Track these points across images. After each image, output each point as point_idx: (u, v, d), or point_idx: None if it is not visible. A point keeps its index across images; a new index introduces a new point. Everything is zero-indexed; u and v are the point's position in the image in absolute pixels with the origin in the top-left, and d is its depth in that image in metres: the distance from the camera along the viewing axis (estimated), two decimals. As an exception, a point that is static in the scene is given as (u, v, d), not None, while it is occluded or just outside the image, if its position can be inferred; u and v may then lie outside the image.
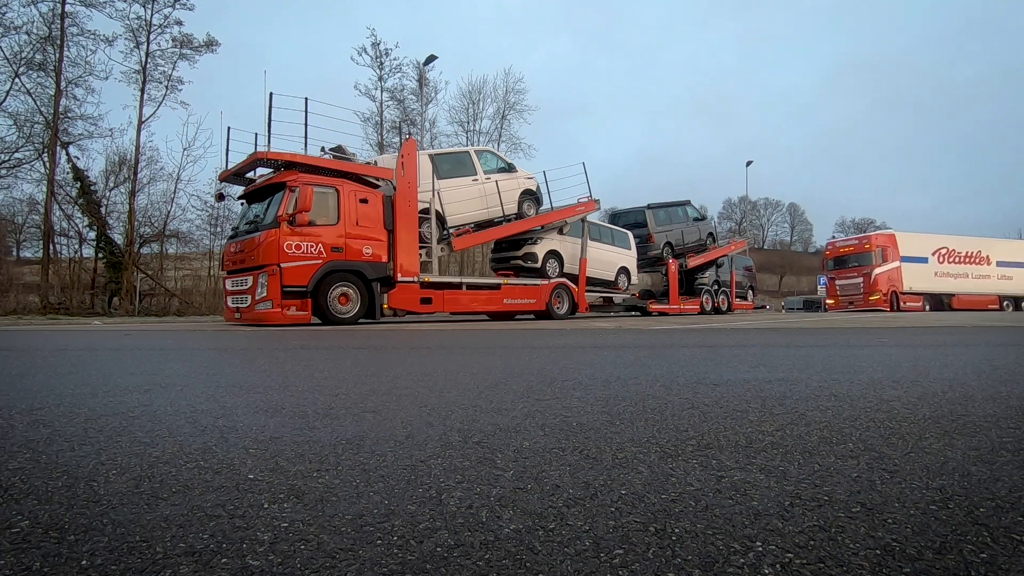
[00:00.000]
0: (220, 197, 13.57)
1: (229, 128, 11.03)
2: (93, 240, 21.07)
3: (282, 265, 9.28)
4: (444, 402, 2.01)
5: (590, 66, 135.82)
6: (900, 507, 0.97)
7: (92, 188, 20.97)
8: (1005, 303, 26.70)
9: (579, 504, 1.00)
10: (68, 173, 20.76)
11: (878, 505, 0.98)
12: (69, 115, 20.55)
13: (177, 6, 21.24)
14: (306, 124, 10.33)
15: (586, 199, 14.12)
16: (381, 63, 27.62)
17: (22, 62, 19.69)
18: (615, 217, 18.16)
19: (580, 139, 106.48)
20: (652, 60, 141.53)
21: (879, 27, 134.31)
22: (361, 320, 10.16)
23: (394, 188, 10.80)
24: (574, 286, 13.66)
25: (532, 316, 13.45)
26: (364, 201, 10.36)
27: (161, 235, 22.52)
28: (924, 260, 24.87)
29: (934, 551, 0.81)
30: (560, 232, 13.91)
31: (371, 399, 2.09)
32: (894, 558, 0.79)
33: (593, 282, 14.40)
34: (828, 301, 25.94)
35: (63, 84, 20.09)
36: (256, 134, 11.01)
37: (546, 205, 13.92)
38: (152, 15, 21.15)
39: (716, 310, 18.67)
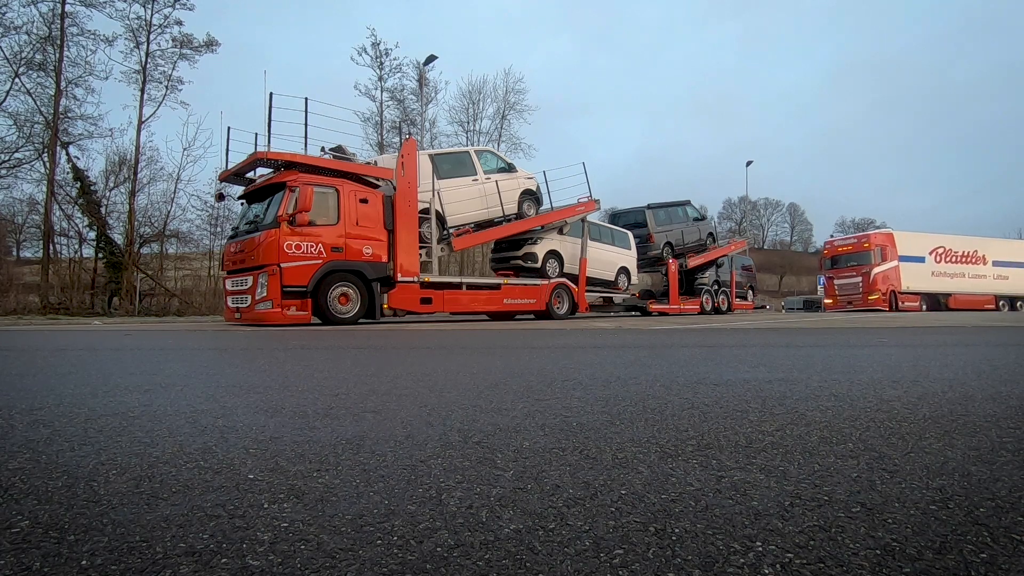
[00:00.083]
0: (220, 197, 13.57)
1: (229, 128, 11.04)
2: (93, 240, 21.08)
3: (282, 265, 9.28)
4: (444, 402, 2.01)
5: (590, 66, 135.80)
6: (900, 507, 0.97)
7: (92, 188, 20.98)
8: (1001, 303, 26.60)
9: (579, 504, 1.00)
10: (68, 173, 20.78)
11: (878, 505, 0.98)
12: (69, 115, 20.58)
13: (177, 6, 21.28)
14: (306, 124, 10.34)
15: (586, 199, 14.12)
16: (381, 63, 27.65)
17: (22, 62, 19.71)
18: (615, 217, 18.16)
19: (580, 139, 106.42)
20: (652, 60, 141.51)
21: (879, 27, 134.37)
22: (361, 320, 10.16)
23: (394, 188, 10.80)
24: (574, 286, 13.66)
25: (532, 316, 13.45)
26: (364, 201, 10.37)
27: (161, 235, 22.53)
28: (921, 260, 24.80)
29: (934, 551, 0.81)
30: (560, 232, 13.91)
31: (371, 399, 2.09)
32: (894, 558, 0.79)
33: (593, 282, 14.41)
34: (826, 301, 25.80)
35: (63, 84, 20.10)
36: (256, 134, 11.03)
37: (546, 205, 13.93)
38: (152, 15, 21.19)
39: (716, 310, 18.67)
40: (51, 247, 20.67)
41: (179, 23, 21.49)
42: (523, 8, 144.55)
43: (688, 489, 1.07)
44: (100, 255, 21.03)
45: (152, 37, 21.30)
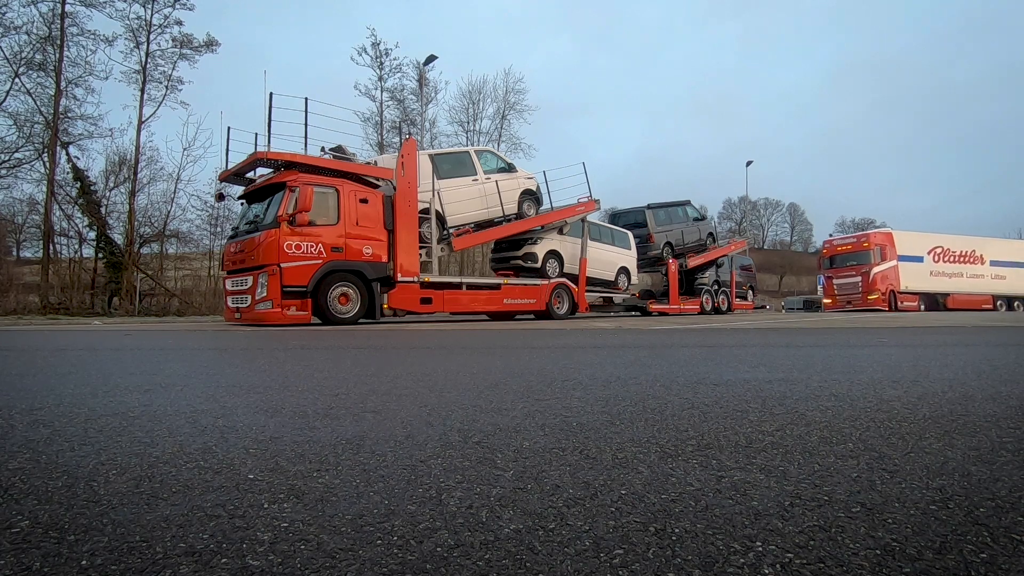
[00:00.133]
0: (220, 197, 13.57)
1: (229, 128, 11.04)
2: (93, 240, 21.08)
3: (282, 265, 9.28)
4: (444, 402, 2.01)
5: (590, 66, 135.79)
6: (900, 507, 0.97)
7: (92, 188, 20.98)
8: (999, 303, 26.51)
9: (579, 504, 1.00)
10: (68, 173, 20.78)
11: (878, 505, 0.98)
12: (69, 115, 20.58)
13: (177, 6, 21.28)
14: (306, 124, 10.34)
15: (586, 199, 14.12)
16: (381, 63, 27.65)
17: (22, 62, 19.71)
18: (615, 217, 18.15)
19: (580, 139, 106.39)
20: (652, 60, 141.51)
21: (879, 27, 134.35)
22: (361, 320, 10.16)
23: (394, 188, 10.80)
24: (574, 286, 13.66)
25: (532, 316, 13.45)
26: (364, 201, 10.36)
27: (161, 235, 22.53)
28: (920, 259, 24.70)
29: (934, 551, 0.81)
30: (560, 232, 13.91)
31: (371, 399, 2.09)
32: (894, 558, 0.79)
33: (593, 282, 14.40)
34: (825, 300, 25.64)
35: (63, 84, 20.10)
36: (256, 134, 11.02)
37: (546, 205, 13.92)
38: (152, 15, 21.18)
39: (716, 310, 18.67)
40: (51, 247, 20.68)
41: (179, 23, 21.52)
42: (523, 8, 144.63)
43: (688, 489, 1.07)
44: (100, 255, 21.04)
45: (152, 37, 21.33)
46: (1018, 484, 1.09)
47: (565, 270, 13.85)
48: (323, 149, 10.76)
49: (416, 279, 10.95)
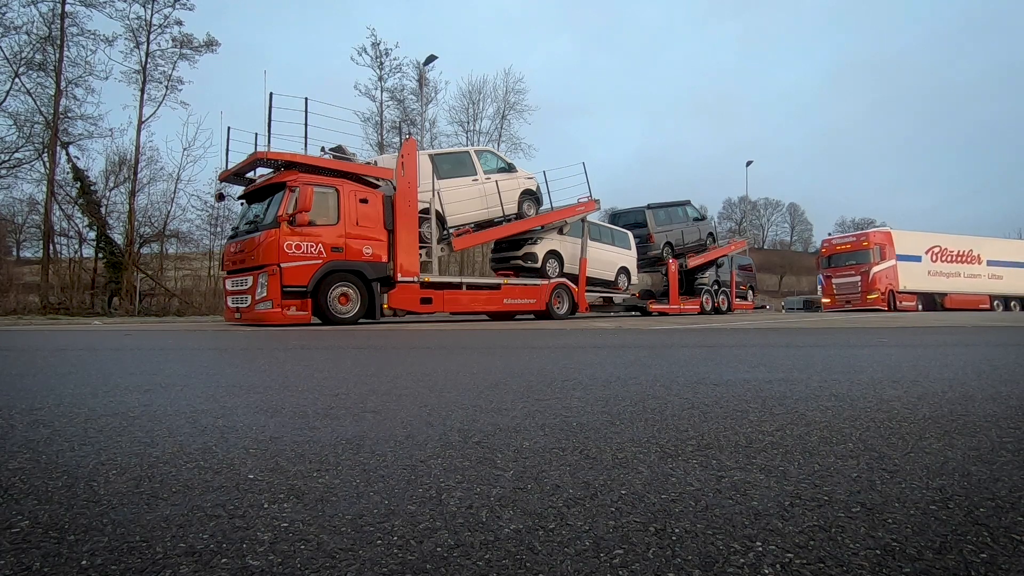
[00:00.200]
0: (220, 197, 13.57)
1: (229, 128, 11.04)
2: (93, 240, 21.09)
3: (282, 265, 9.28)
4: (444, 402, 2.01)
5: (590, 66, 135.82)
6: (900, 507, 0.97)
7: (92, 188, 20.99)
8: (995, 303, 26.38)
9: (579, 504, 1.00)
10: (68, 173, 20.79)
11: (878, 505, 0.98)
12: (69, 115, 20.59)
13: (177, 6, 21.28)
14: (306, 124, 10.34)
15: (586, 199, 14.12)
16: (381, 63, 27.66)
17: (22, 62, 19.72)
18: (615, 217, 18.15)
19: (580, 139, 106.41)
20: (652, 60, 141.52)
21: (879, 27, 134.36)
22: (361, 320, 10.16)
23: (394, 188, 10.80)
24: (574, 286, 13.66)
25: (532, 316, 13.45)
26: (364, 201, 10.36)
27: (161, 235, 22.53)
28: (918, 259, 24.59)
29: (934, 551, 0.81)
30: (560, 232, 13.91)
31: (371, 399, 2.09)
32: (894, 558, 0.79)
33: (593, 282, 14.40)
34: (824, 300, 25.43)
35: (63, 84, 20.11)
36: (256, 134, 11.02)
37: (546, 205, 13.92)
38: (152, 15, 21.19)
39: (716, 310, 18.67)
40: (51, 247, 20.68)
41: (179, 23, 21.52)
42: (523, 8, 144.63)
43: (688, 489, 1.07)
44: (100, 255, 21.04)
45: (152, 37, 21.33)
46: (1018, 484, 1.09)
47: (565, 270, 13.85)
48: (323, 149, 10.77)
49: (416, 279, 10.95)
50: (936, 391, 2.19)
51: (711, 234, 19.35)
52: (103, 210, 21.13)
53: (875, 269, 23.48)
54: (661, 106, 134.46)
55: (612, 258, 15.19)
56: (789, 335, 6.34)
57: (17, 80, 19.69)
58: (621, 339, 5.65)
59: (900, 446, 1.37)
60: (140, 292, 20.29)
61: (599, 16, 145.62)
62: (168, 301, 20.62)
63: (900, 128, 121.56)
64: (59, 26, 19.85)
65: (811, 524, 0.90)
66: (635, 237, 16.17)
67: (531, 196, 13.39)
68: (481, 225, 12.86)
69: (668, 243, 17.23)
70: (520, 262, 13.41)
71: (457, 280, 12.53)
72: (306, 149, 10.43)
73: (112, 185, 21.68)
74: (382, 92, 27.99)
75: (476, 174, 12.43)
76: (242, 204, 11.36)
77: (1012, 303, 26.86)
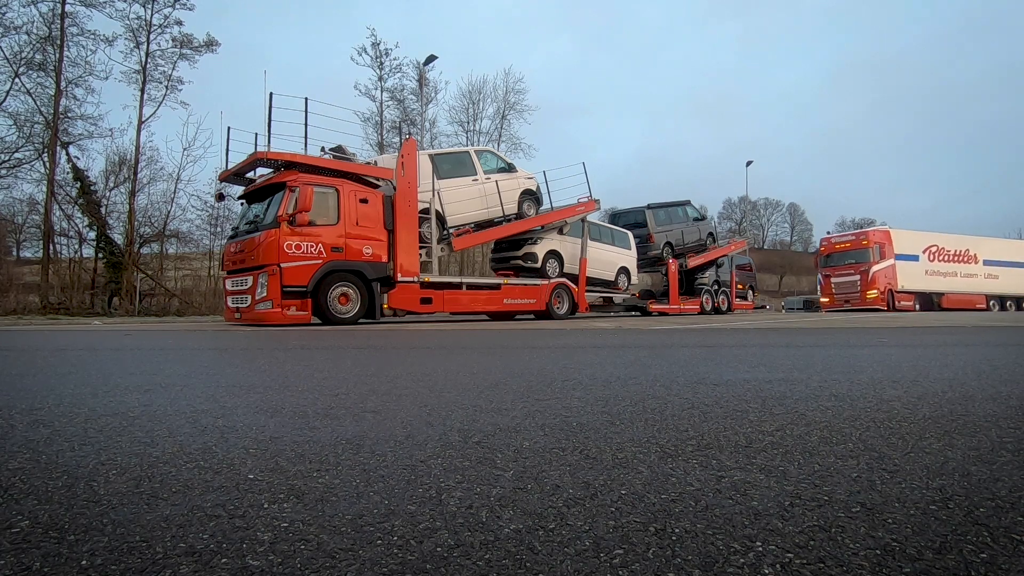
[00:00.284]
0: (220, 197, 13.57)
1: (229, 128, 11.05)
2: (93, 240, 21.09)
3: (282, 265, 9.28)
4: (444, 402, 2.01)
5: (590, 66, 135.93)
6: (900, 507, 0.97)
7: (92, 188, 20.99)
8: (991, 302, 26.23)
9: (579, 504, 1.00)
10: (68, 173, 20.80)
11: (878, 505, 0.98)
12: (69, 115, 20.59)
13: (177, 6, 21.29)
14: (306, 124, 10.34)
15: (586, 199, 14.12)
16: (381, 63, 27.67)
17: (22, 62, 19.72)
18: (615, 217, 18.16)
19: (580, 139, 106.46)
20: (652, 60, 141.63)
21: (879, 27, 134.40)
22: (361, 320, 10.16)
23: (394, 188, 10.80)
24: (574, 286, 13.66)
25: (532, 316, 13.45)
26: (364, 201, 10.37)
27: (161, 235, 22.54)
28: (915, 258, 24.46)
29: (934, 551, 0.81)
30: (560, 232, 13.91)
31: (371, 399, 2.09)
32: (894, 558, 0.79)
33: (593, 282, 14.41)
34: (823, 299, 25.15)
35: (63, 84, 20.11)
36: (256, 134, 11.03)
37: (546, 205, 13.93)
38: (152, 15, 21.20)
39: (716, 310, 18.67)
40: (51, 247, 20.69)
41: (179, 23, 21.53)
42: (523, 8, 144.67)
43: (688, 489, 1.07)
44: (100, 255, 21.04)
45: (152, 37, 21.34)
46: (1018, 484, 1.09)
47: (565, 270, 13.85)
48: (323, 149, 10.77)
49: (416, 279, 10.95)
50: (936, 391, 2.19)
51: (711, 234, 19.35)
52: (103, 210, 21.14)
53: (875, 268, 23.36)
54: (661, 106, 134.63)
55: (612, 258, 15.19)
56: (789, 335, 6.34)
57: (17, 80, 19.72)
58: (621, 339, 5.65)
59: (900, 446, 1.37)
60: (140, 292, 20.29)
61: (599, 16, 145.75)
62: (168, 301, 20.62)
63: (900, 128, 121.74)
64: (59, 26, 19.86)
65: (811, 524, 0.90)
66: (635, 237, 16.17)
67: (531, 196, 13.39)
68: (481, 225, 12.86)
69: (668, 243, 17.23)
70: (520, 262, 13.41)
71: (457, 280, 12.53)
72: (306, 149, 10.45)
73: (112, 185, 21.72)
74: (382, 92, 28.03)
75: (476, 174, 12.43)
76: (242, 204, 11.36)
77: (1008, 303, 26.75)
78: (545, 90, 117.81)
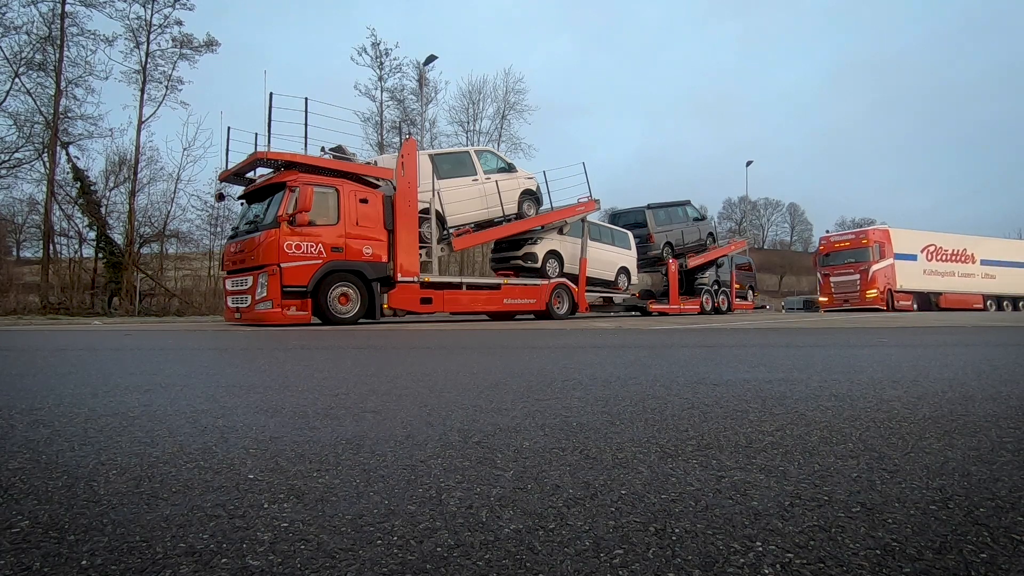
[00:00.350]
0: (220, 197, 13.58)
1: (229, 128, 11.05)
2: (93, 240, 21.09)
3: (282, 265, 9.28)
4: (444, 402, 2.01)
5: (590, 66, 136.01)
6: (900, 507, 0.97)
7: (92, 188, 20.99)
8: (988, 302, 26.10)
9: (579, 504, 1.00)
10: (68, 173, 20.80)
11: (878, 505, 0.98)
12: (69, 115, 20.60)
13: (177, 6, 21.29)
14: (306, 124, 10.34)
15: (586, 199, 14.12)
16: (381, 63, 27.67)
17: (22, 62, 19.73)
18: (615, 217, 18.15)
19: (580, 139, 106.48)
20: (652, 60, 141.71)
21: (879, 27, 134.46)
22: (361, 320, 10.16)
23: (394, 188, 10.80)
24: (574, 286, 13.66)
25: (532, 316, 13.45)
26: (364, 201, 10.37)
27: (161, 235, 22.54)
28: (914, 257, 24.33)
29: (934, 551, 0.81)
30: (560, 232, 13.91)
31: (371, 399, 2.09)
32: (894, 558, 0.79)
33: (593, 282, 14.41)
34: (821, 299, 24.98)
35: (63, 84, 20.11)
36: (256, 134, 11.03)
37: (546, 205, 13.93)
38: (152, 15, 21.20)
39: (716, 310, 18.66)
40: (51, 247, 20.69)
41: (179, 23, 21.53)
42: (523, 8, 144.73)
43: (688, 489, 1.07)
44: (100, 255, 21.04)
45: (152, 37, 21.34)
46: (1018, 484, 1.09)
47: (565, 270, 13.85)
48: (323, 149, 10.77)
49: (416, 279, 10.95)
50: (936, 391, 2.19)
51: (711, 234, 19.35)
52: (103, 210, 21.14)
53: (874, 267, 23.23)
54: (661, 106, 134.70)
55: (612, 258, 15.19)
56: (789, 335, 6.34)
57: (17, 80, 19.72)
58: (621, 339, 5.65)
59: (900, 446, 1.37)
60: (140, 292, 20.29)
61: (599, 16, 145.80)
62: (168, 301, 20.62)
63: (900, 128, 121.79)
64: (59, 26, 19.86)
65: (811, 524, 0.90)
66: (635, 237, 16.17)
67: (531, 196, 13.39)
68: (481, 225, 12.86)
69: (668, 243, 17.23)
70: (520, 262, 13.41)
71: (457, 280, 12.53)
72: (306, 149, 10.45)
73: (112, 185, 21.72)
74: (382, 92, 28.03)
75: (476, 174, 12.43)
76: (242, 204, 11.36)
77: (1004, 303, 26.65)
78: (545, 90, 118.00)
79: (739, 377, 2.63)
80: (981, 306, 25.76)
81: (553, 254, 13.66)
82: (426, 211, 11.19)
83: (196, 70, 23.95)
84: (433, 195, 11.28)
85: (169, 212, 22.49)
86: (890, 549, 0.81)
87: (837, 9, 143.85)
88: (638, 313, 16.80)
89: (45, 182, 20.21)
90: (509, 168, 13.28)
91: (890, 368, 2.99)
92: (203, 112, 29.54)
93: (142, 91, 21.34)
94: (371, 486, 1.10)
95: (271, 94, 10.08)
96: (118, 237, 21.24)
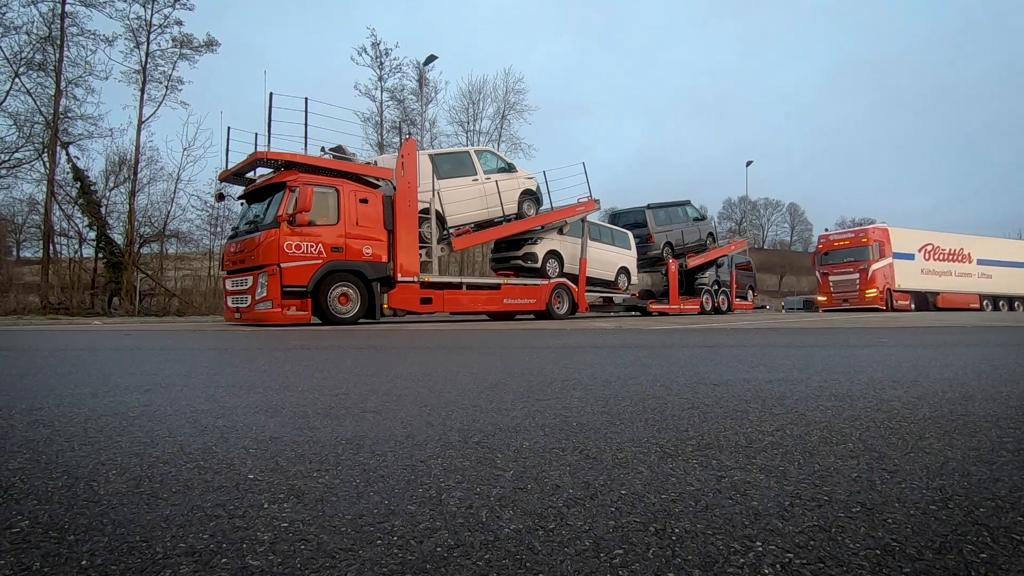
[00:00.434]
0: (220, 197, 13.57)
1: (229, 128, 11.05)
2: (93, 240, 21.09)
3: (282, 265, 9.28)
4: (444, 402, 2.01)
5: (590, 66, 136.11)
6: (900, 507, 0.97)
7: (92, 188, 20.98)
8: (984, 302, 25.98)
9: (579, 504, 1.00)
10: (68, 173, 20.79)
11: (878, 505, 0.98)
12: (69, 115, 20.58)
13: (177, 6, 21.28)
14: (306, 124, 10.34)
15: (586, 199, 14.12)
16: (381, 63, 27.66)
17: (22, 62, 19.71)
18: (615, 217, 18.15)
19: (580, 139, 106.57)
20: (652, 60, 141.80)
21: (879, 27, 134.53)
22: (361, 320, 10.16)
23: (394, 188, 10.80)
24: (574, 286, 13.66)
25: (532, 316, 13.45)
26: (364, 201, 10.36)
27: (161, 235, 22.53)
28: (912, 257, 24.20)
29: (934, 551, 0.81)
30: (560, 232, 13.91)
31: (371, 399, 2.09)
32: (894, 558, 0.79)
33: (593, 282, 14.40)
34: (820, 298, 24.84)
35: (63, 84, 20.10)
36: (256, 134, 11.03)
37: (546, 205, 13.92)
38: (152, 15, 21.19)
39: (716, 310, 18.66)
40: (51, 247, 20.68)
41: (179, 23, 21.52)
42: (523, 8, 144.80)
43: (688, 489, 1.07)
44: (100, 255, 21.04)
45: (152, 37, 21.33)
46: (1018, 484, 1.09)
47: (565, 270, 13.85)
48: (323, 149, 10.77)
49: (416, 279, 10.95)
50: (936, 391, 2.19)
51: (711, 234, 19.34)
52: (103, 210, 21.14)
53: (874, 267, 23.12)
54: (661, 106, 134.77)
55: (612, 258, 15.18)
56: (789, 335, 6.34)
57: (17, 80, 19.71)
58: (621, 339, 5.65)
59: (900, 446, 1.37)
60: (140, 292, 20.29)
61: (599, 16, 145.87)
62: (168, 301, 20.62)
63: (900, 128, 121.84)
64: (59, 26, 19.85)
65: (811, 524, 0.90)
66: (635, 237, 16.17)
67: (531, 196, 13.39)
68: (481, 225, 12.86)
69: (668, 243, 17.22)
70: (520, 262, 13.41)
71: (457, 280, 12.53)
72: (306, 149, 10.44)
73: (112, 185, 21.71)
74: (382, 92, 28.02)
75: (476, 174, 12.43)
76: (242, 204, 11.36)
77: (1000, 303, 26.55)
78: (545, 90, 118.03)
79: (739, 377, 2.63)
80: (978, 306, 25.68)
81: (553, 254, 13.66)
82: (426, 211, 11.19)
83: (196, 70, 24.00)
84: (433, 195, 11.28)
85: (169, 212, 22.52)
86: (890, 549, 0.81)
87: (837, 9, 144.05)
88: (638, 313, 16.80)
89: (45, 182, 20.21)
90: (509, 168, 13.28)
91: (890, 368, 2.99)
92: (203, 112, 29.58)
93: (142, 91, 21.36)
94: (371, 486, 1.10)
95: (271, 94, 10.10)
96: (118, 237, 21.26)
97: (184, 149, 26.36)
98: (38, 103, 20.12)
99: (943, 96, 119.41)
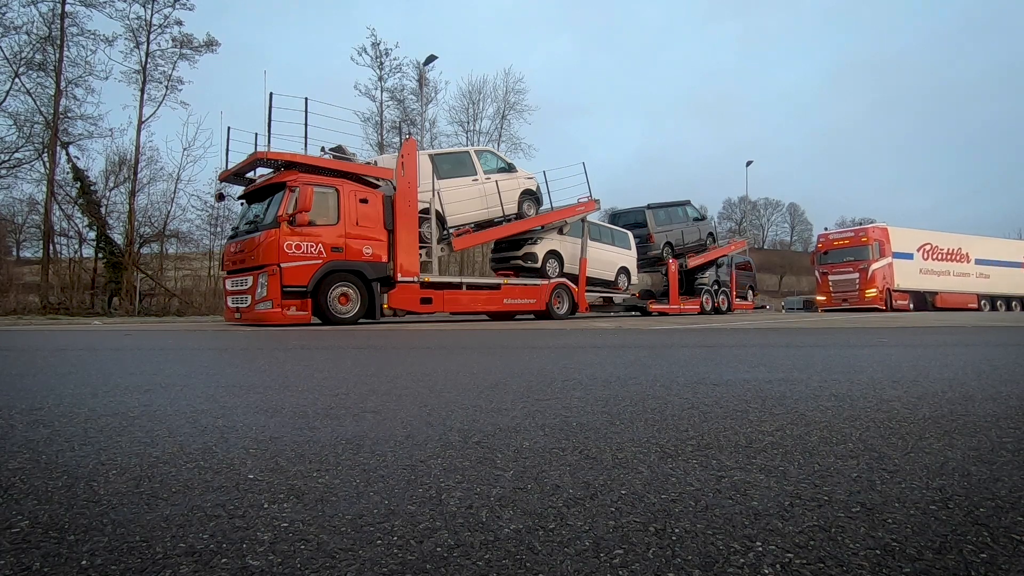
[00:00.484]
0: (220, 197, 13.58)
1: (229, 128, 11.05)
2: (93, 240, 21.08)
3: (282, 265, 9.28)
4: (444, 402, 2.01)
5: (590, 66, 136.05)
6: (900, 507, 0.97)
7: (92, 188, 20.98)
8: (983, 302, 25.91)
9: (579, 504, 1.00)
10: (68, 173, 20.78)
11: (878, 505, 0.98)
12: (69, 115, 20.57)
13: (177, 6, 21.27)
14: (306, 124, 10.34)
15: (586, 199, 14.12)
16: (381, 63, 27.65)
17: (22, 62, 19.71)
18: (615, 217, 18.15)
19: (580, 139, 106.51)
20: (652, 60, 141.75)
21: (879, 27, 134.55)
22: (361, 320, 10.16)
23: (394, 188, 10.80)
24: (574, 286, 13.66)
25: (532, 316, 13.45)
26: (364, 201, 10.37)
27: (161, 235, 22.52)
28: (910, 256, 24.11)
29: (934, 551, 0.81)
30: (560, 232, 13.91)
31: (371, 399, 2.09)
32: (894, 558, 0.79)
33: (593, 282, 14.40)
34: (819, 298, 24.73)
35: (63, 84, 20.09)
36: (256, 134, 11.03)
37: (546, 205, 13.92)
38: (152, 15, 21.18)
39: (716, 310, 18.66)
40: (51, 247, 20.68)
41: (179, 23, 21.51)
42: (523, 8, 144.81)
43: (688, 489, 1.07)
44: (100, 255, 21.03)
45: (152, 37, 21.32)
46: (1018, 484, 1.09)
47: (565, 270, 13.85)
48: (323, 149, 10.77)
49: (416, 279, 10.95)
50: (936, 391, 2.19)
51: (711, 234, 19.34)
52: (103, 210, 21.13)
53: (874, 266, 23.02)
54: (661, 106, 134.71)
55: (612, 258, 15.19)
56: (789, 335, 6.34)
57: (17, 80, 19.70)
58: (621, 339, 5.65)
59: (900, 446, 1.37)
60: (140, 292, 20.28)
61: (599, 16, 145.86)
62: (168, 301, 20.62)
63: (900, 128, 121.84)
64: (59, 26, 19.84)
65: (811, 524, 0.90)
66: (635, 237, 16.17)
67: (531, 196, 13.39)
68: (481, 225, 12.86)
69: (668, 243, 17.23)
70: (520, 262, 13.41)
71: (457, 280, 12.53)
72: (306, 149, 10.44)
73: (112, 185, 21.70)
74: (382, 92, 28.01)
75: (476, 174, 12.43)
76: (242, 204, 11.36)
77: (998, 303, 26.48)
78: (545, 90, 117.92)
79: (739, 377, 2.63)
80: (975, 306, 25.63)
81: (553, 254, 13.66)
82: (426, 211, 11.19)
83: (196, 70, 23.99)
84: (433, 195, 11.28)
85: (169, 212, 22.51)
86: (890, 549, 0.81)
87: (837, 9, 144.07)
88: (638, 313, 16.80)
89: (45, 182, 20.20)
90: (509, 168, 13.28)
91: (890, 368, 2.99)
92: (203, 112, 29.56)
93: (142, 91, 21.35)
94: (371, 486, 1.10)
95: (271, 94, 10.10)
96: (118, 237, 21.25)
97: (184, 149, 26.37)
98: (38, 103, 20.14)
99: (943, 96, 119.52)
